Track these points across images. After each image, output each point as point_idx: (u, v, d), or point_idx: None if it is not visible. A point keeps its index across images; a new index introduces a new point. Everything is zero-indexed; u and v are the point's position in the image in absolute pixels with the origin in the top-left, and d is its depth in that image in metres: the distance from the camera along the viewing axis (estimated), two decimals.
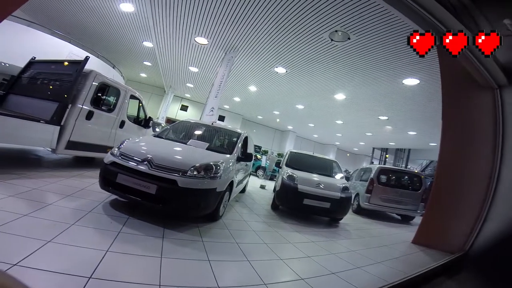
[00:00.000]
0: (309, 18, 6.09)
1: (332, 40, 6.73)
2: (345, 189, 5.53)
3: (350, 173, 11.06)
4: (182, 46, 9.97)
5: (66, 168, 5.17)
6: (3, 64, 9.41)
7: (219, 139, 5.31)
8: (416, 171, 9.00)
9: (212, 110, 8.41)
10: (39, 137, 4.27)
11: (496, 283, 3.36)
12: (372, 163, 20.77)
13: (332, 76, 9.19)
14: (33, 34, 10.01)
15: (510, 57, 3.86)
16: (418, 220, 7.78)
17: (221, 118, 21.06)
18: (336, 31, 6.29)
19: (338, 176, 6.38)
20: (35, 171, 4.24)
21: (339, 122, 15.97)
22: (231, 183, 4.03)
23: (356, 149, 26.44)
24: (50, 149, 4.66)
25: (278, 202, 5.70)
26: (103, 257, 2.05)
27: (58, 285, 1.63)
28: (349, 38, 6.47)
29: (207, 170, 3.33)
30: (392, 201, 7.57)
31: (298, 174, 5.58)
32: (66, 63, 5.30)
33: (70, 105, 4.63)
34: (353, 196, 7.76)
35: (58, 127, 4.48)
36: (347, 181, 6.51)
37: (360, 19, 5.65)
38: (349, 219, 6.38)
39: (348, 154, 28.82)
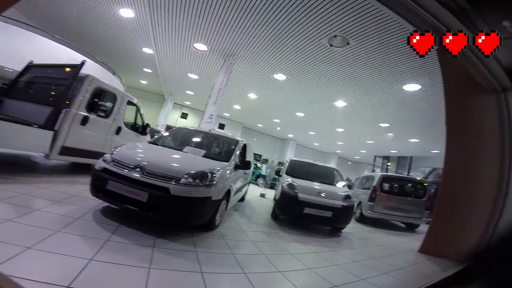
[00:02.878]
0: (308, 24, 6.05)
1: (331, 45, 6.69)
2: (347, 197, 5.39)
3: (352, 182, 10.87)
4: (181, 53, 9.96)
5: (60, 174, 5.04)
6: (7, 69, 9.37)
7: (217, 147, 5.21)
8: (418, 178, 8.82)
9: (211, 117, 8.33)
10: (31, 142, 4.16)
11: None
12: (374, 171, 20.55)
13: (332, 83, 9.13)
14: (34, 39, 9.89)
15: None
16: (423, 228, 7.64)
17: (221, 126, 20.99)
18: (335, 36, 6.25)
19: (340, 184, 6.24)
20: (27, 177, 4.11)
21: (340, 130, 15.87)
22: (228, 192, 3.88)
23: (357, 157, 26.24)
24: (43, 155, 4.52)
25: (278, 211, 5.55)
26: (85, 266, 1.90)
27: None
28: (348, 44, 6.43)
29: (202, 177, 3.20)
30: (395, 209, 7.42)
31: (298, 182, 5.44)
32: (63, 68, 5.21)
33: (64, 110, 4.52)
34: (355, 204, 7.60)
35: (52, 132, 4.36)
36: (349, 189, 6.37)
37: (359, 24, 5.60)
38: (352, 228, 6.20)
39: (349, 162, 28.58)
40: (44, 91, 5.11)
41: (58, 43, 10.53)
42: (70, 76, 4.71)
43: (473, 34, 2.74)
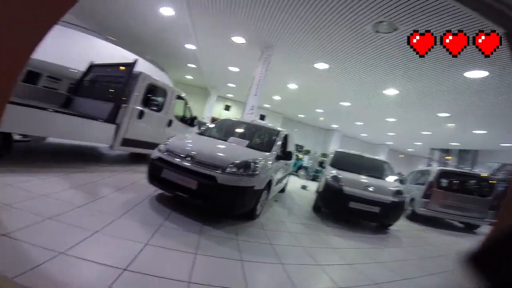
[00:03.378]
0: (348, 10, 5.66)
1: (377, 32, 6.17)
2: (398, 193, 5.07)
3: (404, 176, 10.08)
4: (220, 47, 10.14)
5: (122, 163, 5.68)
6: (71, 70, 10.29)
7: (259, 137, 5.28)
8: (484, 175, 7.80)
9: (252, 109, 8.46)
10: (97, 135, 4.73)
11: None
12: (430, 165, 18.71)
13: (380, 70, 8.46)
14: (91, 41, 10.81)
15: None
16: (484, 229, 6.96)
17: (262, 117, 21.09)
18: (380, 22, 5.74)
19: (391, 178, 5.87)
20: (95, 166, 4.75)
21: (391, 120, 14.73)
22: (270, 182, 3.95)
23: (411, 149, 24.14)
24: (108, 146, 5.09)
25: (320, 204, 5.48)
26: (141, 250, 2.15)
27: (93, 275, 1.73)
28: (396, 29, 5.86)
29: (246, 167, 3.30)
30: (454, 207, 6.75)
31: (344, 175, 5.26)
32: (119, 67, 5.69)
33: (123, 105, 5.00)
34: (407, 200, 7.13)
35: (114, 126, 4.89)
36: (401, 184, 5.94)
37: (407, 8, 5.06)
38: (401, 225, 5.86)
39: (401, 155, 26.47)
40: (105, 89, 5.67)
41: (112, 44, 11.37)
42: (126, 74, 5.15)
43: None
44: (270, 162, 3.94)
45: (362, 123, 18.10)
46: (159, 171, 3.34)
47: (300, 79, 11.63)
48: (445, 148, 19.23)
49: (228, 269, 2.27)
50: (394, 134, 18.90)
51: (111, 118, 4.82)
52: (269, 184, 3.94)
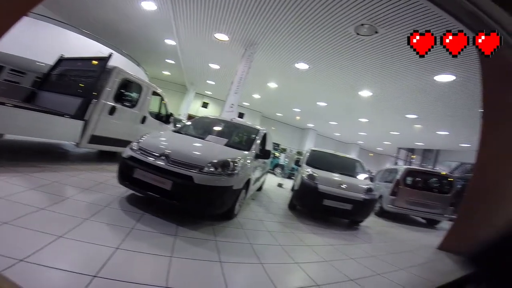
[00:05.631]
0: (332, 12, 5.83)
1: (358, 34, 6.40)
2: (369, 190, 5.27)
3: (373, 174, 10.60)
4: (202, 43, 9.96)
5: (89, 162, 5.32)
6: (38, 63, 9.70)
7: (238, 136, 5.21)
8: (444, 173, 8.41)
9: (232, 107, 8.36)
10: (63, 131, 4.40)
11: None
12: (396, 163, 19.91)
13: (357, 72, 8.79)
14: (63, 34, 10.31)
15: None
16: (444, 224, 7.46)
17: (240, 115, 21.02)
18: (362, 24, 5.97)
19: (362, 176, 6.09)
20: (58, 165, 4.38)
21: (364, 120, 15.39)
22: (248, 181, 3.91)
23: (380, 148, 25.41)
24: (74, 143, 4.75)
25: (296, 202, 5.55)
26: (112, 255, 2.00)
27: (59, 284, 1.58)
28: (376, 32, 6.11)
29: (224, 166, 3.22)
30: (419, 204, 7.15)
31: (319, 173, 5.37)
32: (91, 61, 5.38)
33: (93, 101, 4.71)
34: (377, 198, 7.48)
35: (82, 122, 4.58)
36: (371, 182, 6.22)
37: (389, 12, 5.30)
38: (371, 221, 6.12)
39: (371, 154, 27.75)
40: (74, 83, 5.32)
41: (87, 37, 10.88)
42: (99, 68, 4.89)
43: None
44: (249, 161, 3.89)
45: (336, 123, 18.71)
46: (131, 170, 3.15)
47: (280, 78, 11.74)
48: (411, 147, 20.52)
49: (207, 271, 2.20)
50: (365, 134, 19.77)
51: (79, 114, 4.51)
52: (247, 184, 3.89)
